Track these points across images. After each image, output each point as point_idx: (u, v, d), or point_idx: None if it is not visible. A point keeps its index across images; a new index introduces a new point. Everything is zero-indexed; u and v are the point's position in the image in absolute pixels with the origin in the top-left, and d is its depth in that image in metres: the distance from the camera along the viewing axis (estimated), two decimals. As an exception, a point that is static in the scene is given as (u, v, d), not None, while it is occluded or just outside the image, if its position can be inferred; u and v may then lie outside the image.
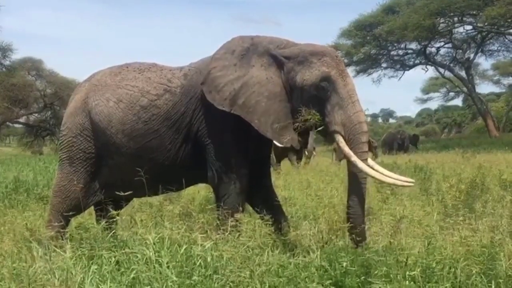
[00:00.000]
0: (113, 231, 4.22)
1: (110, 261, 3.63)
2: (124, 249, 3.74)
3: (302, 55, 4.55)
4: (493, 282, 3.42)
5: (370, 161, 4.46)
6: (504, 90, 47.77)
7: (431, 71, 40.52)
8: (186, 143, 4.75)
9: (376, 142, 21.20)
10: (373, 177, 4.39)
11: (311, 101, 4.46)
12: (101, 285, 3.33)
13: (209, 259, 3.55)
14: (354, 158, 4.29)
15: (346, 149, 4.34)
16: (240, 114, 4.52)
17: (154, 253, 3.56)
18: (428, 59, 37.79)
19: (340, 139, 4.38)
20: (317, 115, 4.42)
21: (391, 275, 3.47)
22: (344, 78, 4.48)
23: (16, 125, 44.15)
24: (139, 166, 4.55)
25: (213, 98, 4.57)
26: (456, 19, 33.96)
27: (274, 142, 4.81)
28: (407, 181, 4.52)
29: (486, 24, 32.79)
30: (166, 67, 5.01)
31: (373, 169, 4.39)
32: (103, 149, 4.89)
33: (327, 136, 4.63)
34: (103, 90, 4.92)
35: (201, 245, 3.69)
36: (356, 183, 4.37)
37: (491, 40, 37.00)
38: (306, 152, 14.52)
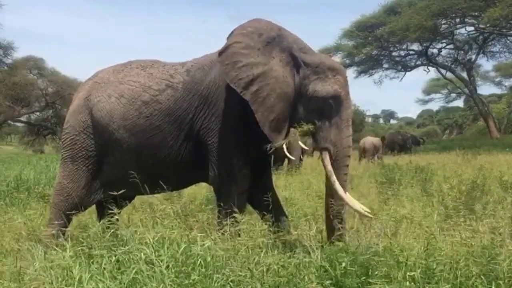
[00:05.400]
0: (113, 230, 4.21)
1: (111, 260, 3.62)
2: (123, 248, 3.73)
3: (321, 66, 4.57)
4: (493, 283, 3.41)
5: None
6: (505, 92, 47.63)
7: (432, 72, 40.30)
8: (188, 140, 4.73)
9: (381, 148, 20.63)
10: (343, 199, 4.46)
11: (314, 112, 4.53)
12: (100, 284, 3.33)
13: (208, 259, 3.54)
14: (333, 178, 4.45)
15: (329, 167, 4.49)
16: (248, 99, 4.47)
17: (154, 252, 3.56)
18: (430, 60, 37.72)
19: (327, 157, 4.51)
20: (312, 127, 4.51)
21: (391, 276, 3.47)
22: (348, 100, 4.59)
23: (18, 124, 44.20)
24: (141, 163, 4.54)
25: (226, 72, 4.53)
26: (458, 20, 33.91)
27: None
28: (367, 212, 4.51)
29: (488, 25, 32.70)
30: (168, 63, 4.99)
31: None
32: (105, 146, 4.87)
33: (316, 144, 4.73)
34: (106, 87, 4.91)
35: (200, 244, 3.69)
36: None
37: (492, 42, 36.96)
38: (301, 157, 14.41)
